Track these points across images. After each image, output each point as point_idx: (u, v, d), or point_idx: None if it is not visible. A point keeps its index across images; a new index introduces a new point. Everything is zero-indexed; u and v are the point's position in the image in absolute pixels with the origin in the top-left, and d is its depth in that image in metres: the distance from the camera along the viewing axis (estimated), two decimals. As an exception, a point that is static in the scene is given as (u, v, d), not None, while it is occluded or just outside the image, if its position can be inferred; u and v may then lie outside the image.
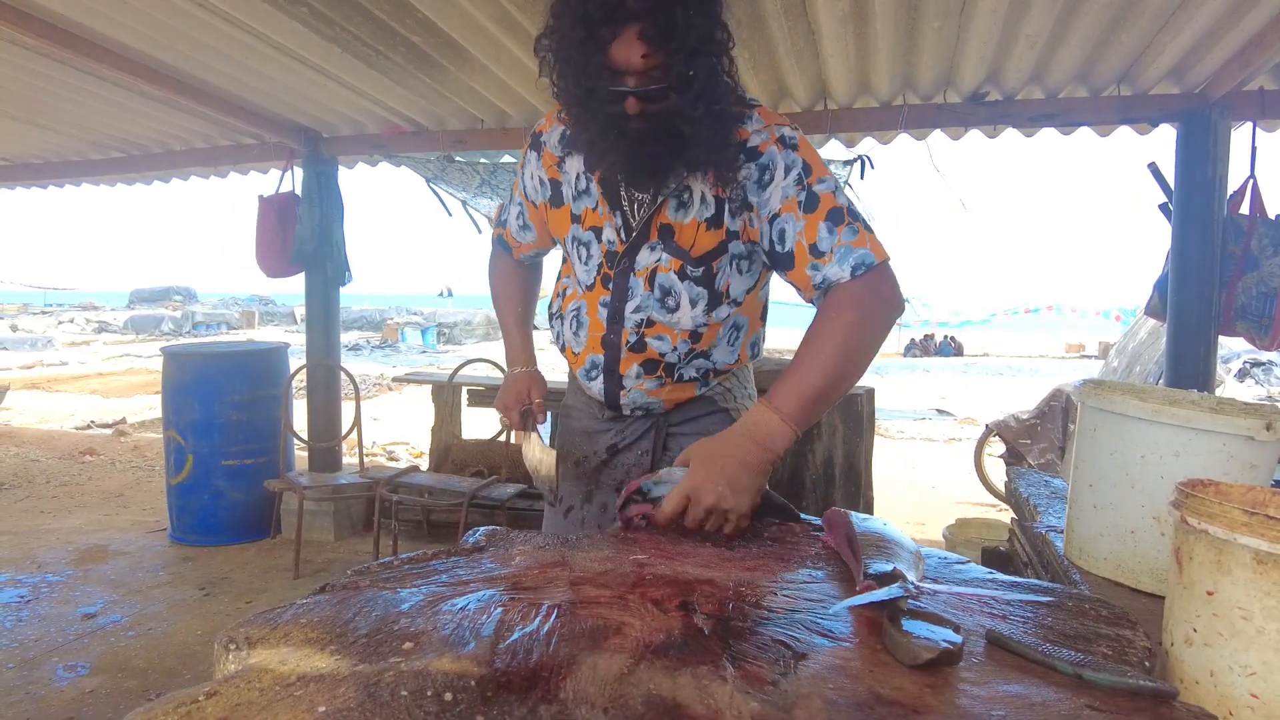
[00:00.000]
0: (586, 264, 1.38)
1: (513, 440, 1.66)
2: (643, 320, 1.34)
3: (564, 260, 1.49)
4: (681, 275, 1.32)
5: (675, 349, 1.36)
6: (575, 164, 1.37)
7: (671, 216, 1.31)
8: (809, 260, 1.23)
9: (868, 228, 1.23)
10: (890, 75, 3.22)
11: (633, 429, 1.47)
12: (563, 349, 1.49)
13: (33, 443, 7.19)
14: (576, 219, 1.38)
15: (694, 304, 1.33)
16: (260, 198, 4.38)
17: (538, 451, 1.51)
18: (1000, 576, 0.95)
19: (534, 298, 1.66)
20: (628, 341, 1.36)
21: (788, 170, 1.24)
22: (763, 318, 1.48)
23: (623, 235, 1.33)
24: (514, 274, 1.63)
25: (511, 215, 1.55)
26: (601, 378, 1.41)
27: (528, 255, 1.61)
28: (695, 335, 1.36)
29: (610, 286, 1.35)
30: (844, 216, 1.23)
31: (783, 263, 1.27)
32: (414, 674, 0.65)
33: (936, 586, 0.90)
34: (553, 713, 0.61)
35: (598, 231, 1.36)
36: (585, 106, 1.18)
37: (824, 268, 1.22)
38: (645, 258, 1.33)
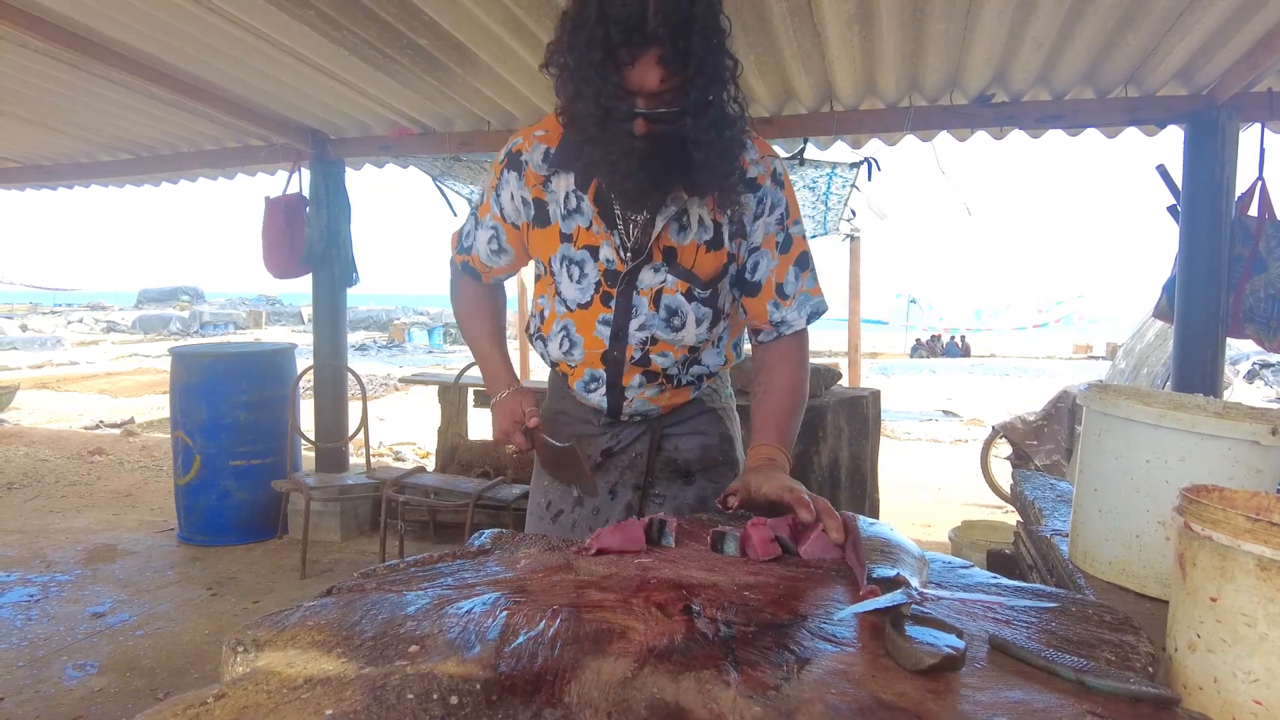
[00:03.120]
0: (580, 282, 1.37)
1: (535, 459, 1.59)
2: (647, 338, 1.37)
3: (536, 279, 1.48)
4: (689, 297, 1.35)
5: (676, 362, 1.41)
6: (563, 182, 1.35)
7: (673, 239, 1.33)
8: (772, 297, 1.38)
9: (816, 272, 1.43)
10: (896, 77, 3.22)
11: (628, 432, 1.49)
12: (554, 365, 1.49)
13: (42, 442, 7.24)
14: (566, 238, 1.37)
15: (699, 323, 1.37)
16: (267, 199, 4.40)
17: (554, 454, 1.44)
18: (1004, 581, 0.95)
19: (504, 317, 1.61)
20: (631, 357, 1.38)
21: (773, 209, 1.36)
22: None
23: (622, 254, 1.34)
24: (484, 298, 1.57)
25: (480, 241, 1.46)
26: (603, 389, 1.43)
27: (497, 279, 1.57)
28: (694, 349, 1.42)
29: (612, 305, 1.36)
30: (808, 262, 1.41)
31: (747, 289, 1.40)
32: (420, 677, 0.66)
33: (940, 592, 0.90)
34: (557, 716, 0.62)
35: (593, 250, 1.35)
36: (595, 124, 1.17)
37: (785, 310, 1.39)
38: (649, 278, 1.34)
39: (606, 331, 1.37)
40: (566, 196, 1.35)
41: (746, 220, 1.35)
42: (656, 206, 1.29)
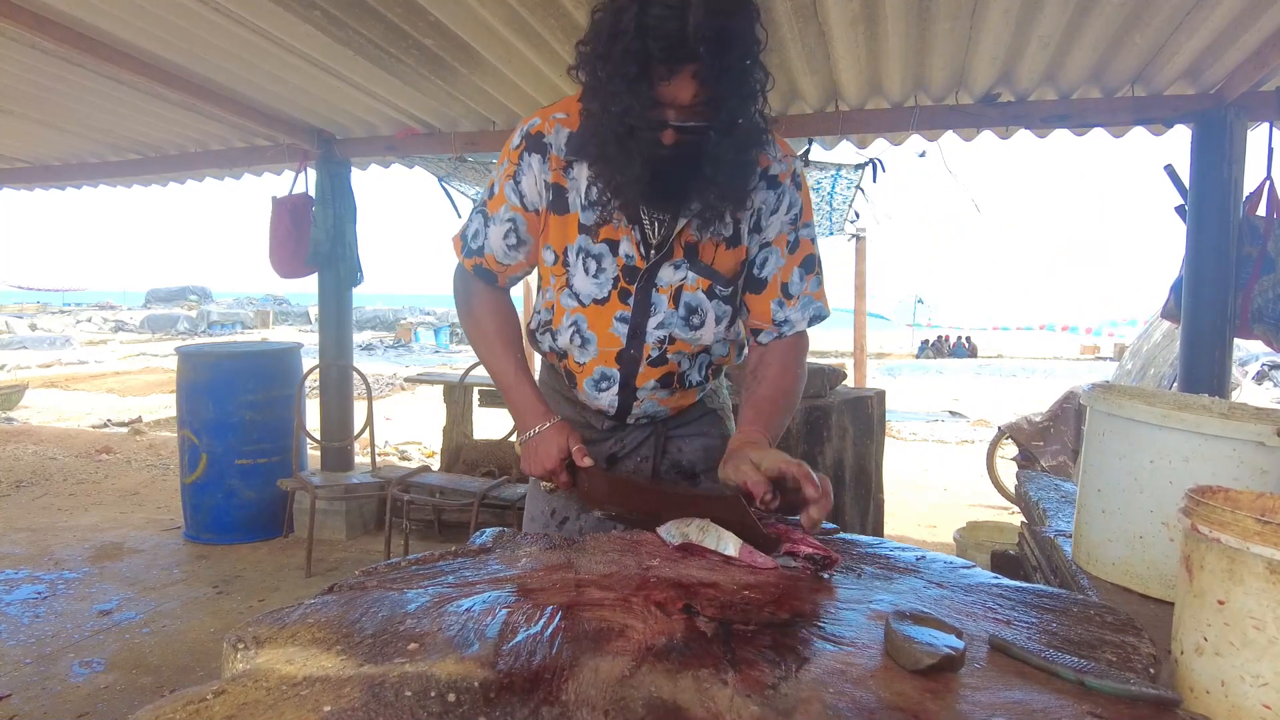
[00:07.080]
0: (597, 277, 1.32)
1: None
2: (665, 337, 1.35)
3: (533, 270, 1.44)
4: (710, 295, 1.33)
5: (691, 360, 1.40)
6: (585, 170, 1.29)
7: (694, 234, 1.30)
8: (777, 296, 1.37)
9: (822, 277, 1.42)
10: (902, 76, 3.21)
11: (633, 436, 1.46)
12: (560, 358, 1.44)
13: (50, 441, 7.28)
14: (586, 229, 1.31)
15: (719, 321, 1.35)
16: (274, 199, 4.42)
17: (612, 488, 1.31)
18: (1006, 582, 0.95)
19: (520, 336, 1.47)
20: (649, 356, 1.36)
21: (789, 208, 1.35)
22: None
23: (643, 251, 1.31)
24: (504, 310, 1.45)
25: (494, 238, 1.36)
26: (615, 389, 1.39)
27: (513, 278, 1.46)
28: (710, 349, 1.40)
29: (630, 302, 1.33)
30: (814, 265, 1.39)
31: (753, 285, 1.38)
32: (418, 675, 0.66)
33: (942, 591, 0.90)
34: (554, 714, 0.61)
35: (613, 245, 1.31)
36: (616, 140, 1.14)
37: (788, 310, 1.37)
38: (669, 275, 1.32)
39: (624, 329, 1.34)
40: (588, 187, 1.29)
41: (763, 216, 1.33)
42: (679, 204, 1.27)
